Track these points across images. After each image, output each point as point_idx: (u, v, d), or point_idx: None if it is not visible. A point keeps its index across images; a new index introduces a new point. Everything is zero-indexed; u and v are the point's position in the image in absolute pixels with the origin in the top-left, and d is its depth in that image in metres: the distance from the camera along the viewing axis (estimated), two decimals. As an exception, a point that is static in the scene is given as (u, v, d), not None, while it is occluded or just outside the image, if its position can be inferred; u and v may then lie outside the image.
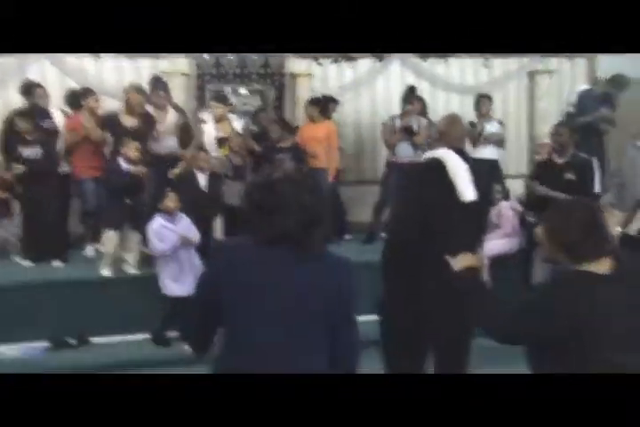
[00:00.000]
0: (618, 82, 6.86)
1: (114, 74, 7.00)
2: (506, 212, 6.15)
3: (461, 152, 3.48)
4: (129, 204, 5.54)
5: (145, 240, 5.43)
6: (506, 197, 6.35)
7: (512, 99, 8.18)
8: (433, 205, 3.36)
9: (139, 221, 5.51)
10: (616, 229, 3.68)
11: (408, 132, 6.63)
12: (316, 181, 2.08)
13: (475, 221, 3.49)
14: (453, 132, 3.53)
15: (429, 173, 3.46)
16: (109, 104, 6.46)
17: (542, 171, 5.51)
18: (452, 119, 3.66)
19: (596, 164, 5.35)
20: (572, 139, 5.27)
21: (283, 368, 1.96)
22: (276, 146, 6.48)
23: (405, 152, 6.61)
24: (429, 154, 3.59)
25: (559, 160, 5.29)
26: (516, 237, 6.03)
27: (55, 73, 6.80)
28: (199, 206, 5.63)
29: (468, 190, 3.34)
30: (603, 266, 2.18)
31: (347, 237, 6.98)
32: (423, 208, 3.37)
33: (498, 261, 5.87)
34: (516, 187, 6.86)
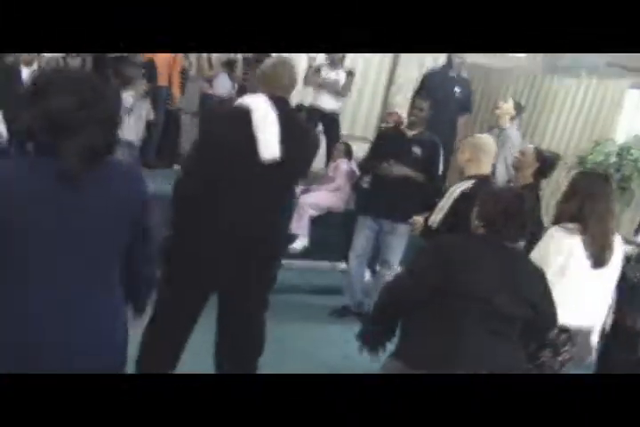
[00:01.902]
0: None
1: None
2: (342, 166, 6.10)
3: (281, 102, 2.96)
4: None
5: None
6: (347, 154, 6.29)
7: (375, 64, 8.07)
8: (227, 161, 2.87)
9: None
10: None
11: (228, 65, 6.62)
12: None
13: (280, 181, 3.01)
14: (276, 78, 2.98)
15: (232, 121, 2.96)
16: None
17: (388, 139, 5.32)
18: (280, 63, 3.06)
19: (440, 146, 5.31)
20: (428, 115, 5.13)
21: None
22: (131, 60, 5.97)
23: (224, 85, 6.62)
24: (240, 100, 3.06)
25: (409, 132, 5.14)
26: (345, 195, 5.99)
27: None
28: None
29: (269, 148, 2.86)
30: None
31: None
32: (214, 163, 2.87)
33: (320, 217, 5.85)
34: (357, 150, 6.78)
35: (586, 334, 3.04)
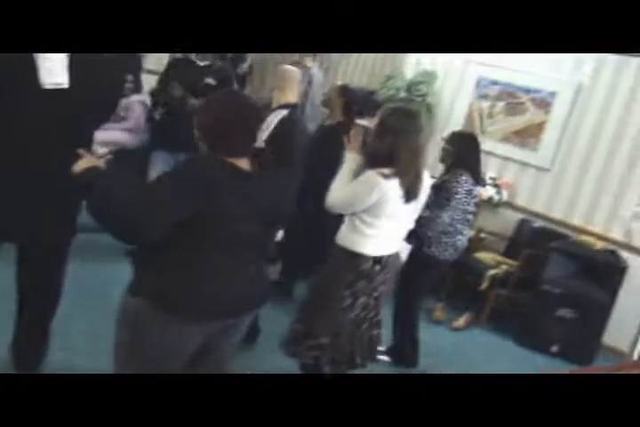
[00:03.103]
0: None
1: None
2: (133, 106, 5.74)
3: None
4: None
5: None
6: (137, 89, 5.90)
7: None
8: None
9: None
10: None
11: None
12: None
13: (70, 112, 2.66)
14: None
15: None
16: None
17: (181, 70, 5.13)
18: None
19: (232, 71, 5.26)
20: None
21: None
22: None
23: None
24: None
25: (200, 63, 5.01)
26: (140, 133, 5.67)
27: None
28: None
29: (50, 74, 2.51)
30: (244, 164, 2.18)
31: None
32: None
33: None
34: (150, 82, 6.38)
35: (395, 257, 3.19)
